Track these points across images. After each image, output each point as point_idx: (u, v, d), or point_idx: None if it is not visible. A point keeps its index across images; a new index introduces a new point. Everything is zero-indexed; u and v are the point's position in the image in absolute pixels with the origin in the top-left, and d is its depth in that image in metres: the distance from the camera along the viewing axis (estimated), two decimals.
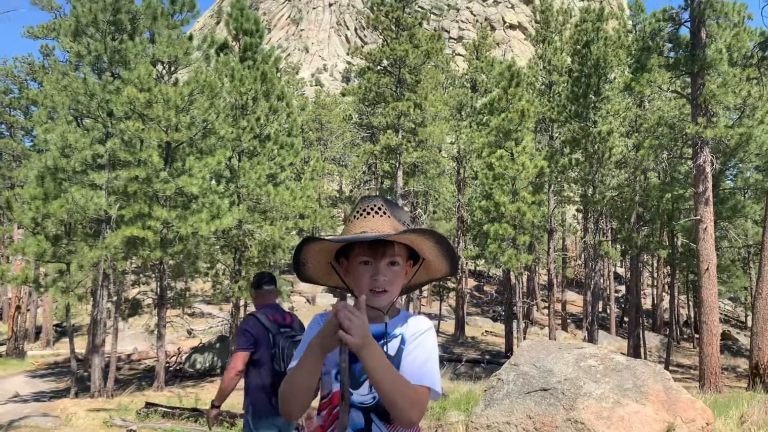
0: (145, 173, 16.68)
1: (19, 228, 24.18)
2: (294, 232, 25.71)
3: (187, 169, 17.46)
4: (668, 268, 35.16)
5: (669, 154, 22.77)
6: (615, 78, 26.88)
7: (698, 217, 18.70)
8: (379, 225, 1.71)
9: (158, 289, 19.04)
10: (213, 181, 18.91)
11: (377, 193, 37.09)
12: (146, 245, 16.49)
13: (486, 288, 49.94)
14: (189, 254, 18.70)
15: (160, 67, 19.41)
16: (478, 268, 50.90)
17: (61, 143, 16.55)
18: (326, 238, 1.74)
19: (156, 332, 18.72)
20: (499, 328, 36.67)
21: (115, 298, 18.29)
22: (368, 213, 1.73)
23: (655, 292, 41.35)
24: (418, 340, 1.75)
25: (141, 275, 23.73)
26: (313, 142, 47.88)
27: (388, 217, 1.73)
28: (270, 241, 21.03)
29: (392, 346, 1.75)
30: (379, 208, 1.74)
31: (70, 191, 15.95)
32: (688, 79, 20.50)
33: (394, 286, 1.74)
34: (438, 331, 34.16)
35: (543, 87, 32.33)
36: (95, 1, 17.85)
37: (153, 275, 20.10)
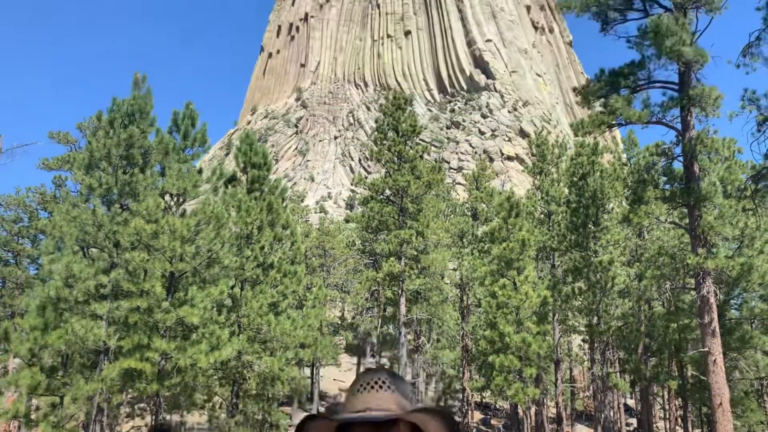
0: (147, 303, 16.64)
1: (15, 358, 23.76)
2: (294, 363, 25.19)
3: (189, 299, 17.42)
4: (680, 400, 34.00)
5: (672, 284, 22.76)
6: (613, 208, 27.45)
7: (706, 349, 18.35)
8: (383, 401, 1.69)
9: (152, 422, 18.37)
10: (214, 311, 18.81)
11: (380, 366, 36.65)
12: (143, 378, 16.12)
13: (493, 422, 48.04)
14: (186, 386, 18.23)
15: (168, 198, 19.93)
16: (484, 400, 49.26)
17: (65, 273, 16.66)
18: (329, 417, 1.70)
19: None
20: None
21: None
22: (372, 387, 1.71)
23: (668, 426, 39.66)
24: None
25: (136, 407, 22.99)
26: (316, 269, 48.08)
27: (393, 391, 1.71)
28: (269, 373, 20.57)
29: None
30: (384, 382, 1.73)
31: (70, 321, 15.84)
32: (685, 210, 20.92)
33: None
34: None
35: (542, 216, 32.94)
36: (110, 137, 18.67)
37: (148, 408, 19.47)
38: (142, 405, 22.82)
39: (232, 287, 20.83)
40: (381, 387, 1.72)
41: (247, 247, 21.55)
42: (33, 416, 17.10)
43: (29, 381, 15.45)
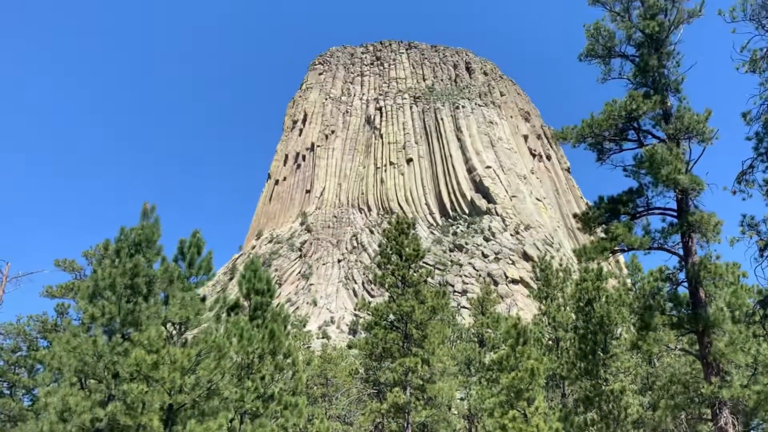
0: None
1: None
2: None
3: None
4: None
5: (687, 415, 21.91)
6: (621, 334, 27.02)
7: None
8: None
9: None
10: None
11: None
12: None
13: None
14: None
15: (170, 326, 19.73)
16: None
17: (61, 407, 16.17)
18: None
19: None
20: None
21: None
22: None
23: None
24: None
25: None
26: (317, 399, 46.60)
27: None
28: None
29: None
30: None
31: None
32: (695, 337, 20.56)
33: None
34: None
35: (550, 342, 32.37)
36: (115, 266, 18.79)
37: None
38: None
39: (231, 420, 20.10)
40: None
41: (247, 378, 21.04)
42: None
43: None
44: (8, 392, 33.17)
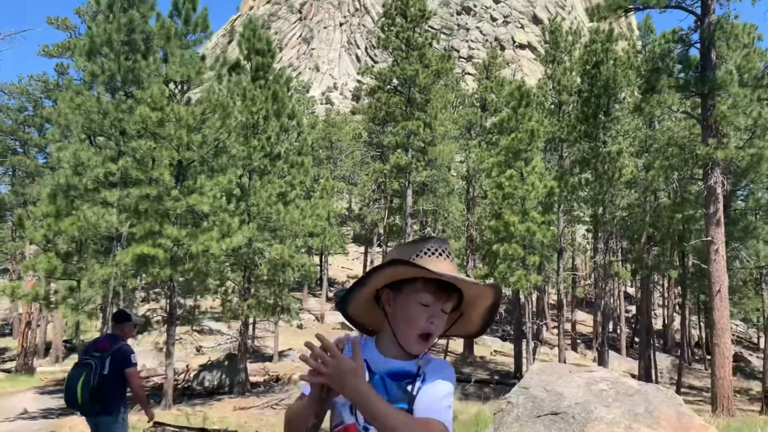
0: (156, 191, 16.79)
1: (31, 245, 24.34)
2: (303, 251, 25.75)
3: (198, 188, 17.56)
4: (679, 288, 34.88)
5: (679, 175, 22.71)
6: (625, 98, 26.90)
7: (709, 239, 18.60)
8: (452, 269, 1.71)
9: (167, 307, 19.08)
10: (224, 200, 19.00)
11: (388, 213, 37.12)
12: (156, 263, 16.54)
13: None
14: (199, 272, 18.74)
15: (172, 86, 19.61)
16: None
17: (73, 161, 16.71)
18: (424, 267, 1.66)
19: (165, 350, 18.74)
20: (509, 347, 36.41)
21: None
22: (440, 254, 1.72)
23: (666, 313, 41.01)
24: (440, 377, 1.76)
25: (151, 292, 23.78)
26: (323, 161, 48.11)
27: (454, 264, 1.74)
28: (279, 260, 21.07)
29: (416, 386, 1.74)
30: (449, 254, 1.74)
31: (81, 209, 16.07)
32: (698, 100, 20.51)
33: (438, 332, 1.74)
34: (446, 351, 33.97)
35: (553, 107, 32.39)
36: (110, 22, 18.11)
37: (163, 293, 20.14)
38: (157, 290, 23.58)
39: (240, 177, 20.93)
40: (448, 257, 1.73)
41: (253, 137, 21.44)
42: (52, 299, 17.75)
43: (46, 265, 15.90)
44: (21, 150, 34.15)
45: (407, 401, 1.71)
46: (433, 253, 1.71)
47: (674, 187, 24.38)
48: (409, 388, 1.72)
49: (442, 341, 36.62)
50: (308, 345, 1.61)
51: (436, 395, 1.71)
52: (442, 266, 1.69)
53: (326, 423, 1.85)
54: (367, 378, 1.69)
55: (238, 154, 19.70)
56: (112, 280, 16.49)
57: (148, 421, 6.02)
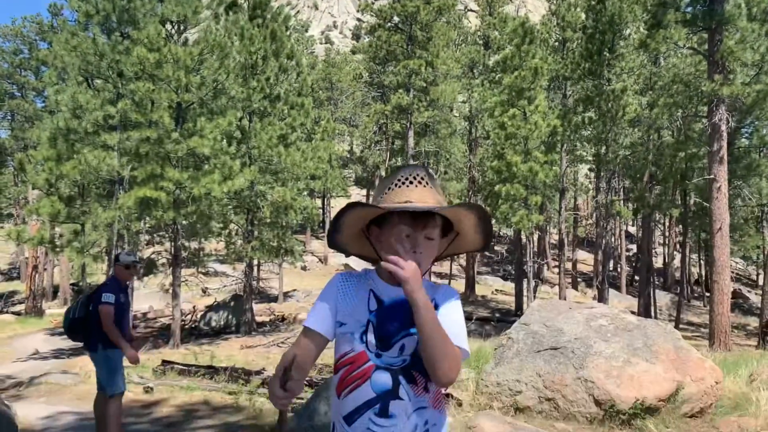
0: (156, 134, 16.70)
1: (33, 189, 24.39)
2: (305, 193, 25.78)
3: (198, 130, 17.45)
4: (680, 227, 35.03)
5: (684, 113, 22.45)
6: (630, 35, 26.33)
7: (712, 176, 18.53)
8: (423, 195, 1.67)
9: (172, 249, 19.26)
10: (224, 142, 18.91)
11: (389, 155, 36.96)
12: (159, 206, 16.61)
13: (496, 247, 50.08)
14: (202, 215, 18.84)
15: (169, 26, 19.24)
16: None
17: (72, 104, 16.57)
18: (375, 205, 1.69)
19: (171, 291, 19.01)
20: (509, 287, 36.88)
21: None
22: (411, 182, 1.69)
23: (666, 251, 41.34)
24: (453, 303, 1.78)
25: (155, 235, 23.96)
26: (323, 102, 47.56)
27: (431, 188, 1.70)
28: (282, 202, 21.12)
29: None
30: (422, 179, 1.70)
31: (82, 152, 16.03)
32: (705, 35, 20.07)
33: (427, 260, 1.71)
34: None
35: (556, 44, 31.78)
36: None
37: (167, 235, 20.29)
38: (161, 233, 23.76)
39: (241, 119, 20.75)
40: (420, 183, 1.69)
41: (252, 78, 21.16)
42: (57, 243, 17.91)
43: (49, 209, 15.98)
44: (19, 94, 33.79)
45: None
46: (403, 183, 1.69)
47: (678, 125, 24.14)
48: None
49: (444, 281, 37.04)
50: (393, 260, 1.61)
51: (458, 323, 1.74)
52: (413, 194, 1.66)
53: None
54: (375, 306, 1.72)
55: (238, 96, 19.49)
56: (115, 223, 16.59)
57: (132, 363, 5.98)
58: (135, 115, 16.81)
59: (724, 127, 18.71)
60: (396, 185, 1.70)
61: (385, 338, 1.69)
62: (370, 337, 1.69)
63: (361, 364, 1.69)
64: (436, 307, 1.74)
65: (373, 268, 1.84)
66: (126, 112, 16.92)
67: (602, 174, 28.30)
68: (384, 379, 1.67)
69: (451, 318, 1.73)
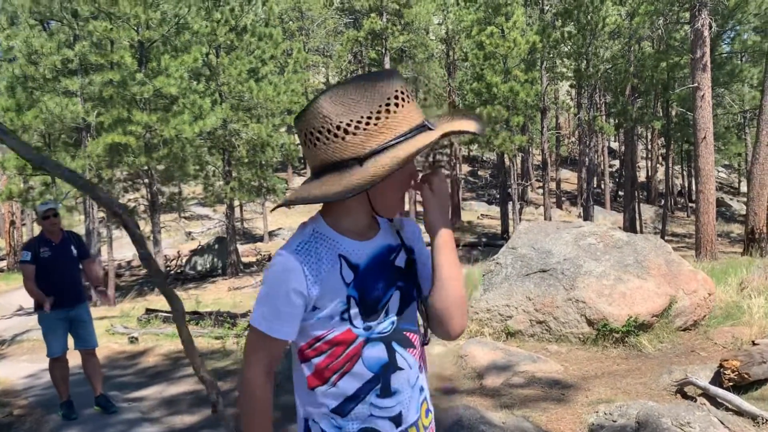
0: (119, 76, 15.93)
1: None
2: (283, 129, 25.12)
3: (163, 69, 16.69)
4: (662, 139, 34.87)
5: (665, 20, 21.79)
6: None
7: (695, 84, 18.14)
8: (415, 115, 1.28)
9: (149, 195, 18.78)
10: (192, 81, 18.16)
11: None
12: (130, 152, 16.04)
13: (480, 172, 49.88)
14: (176, 158, 18.27)
15: None
16: (471, 153, 50.58)
17: (26, 50, 15.70)
18: (379, 171, 1.21)
19: (152, 238, 18.65)
20: (495, 210, 36.87)
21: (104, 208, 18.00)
22: (404, 100, 1.26)
23: (649, 165, 41.30)
24: (420, 241, 1.52)
25: (131, 182, 23.40)
26: (294, 33, 45.98)
27: (411, 100, 1.28)
28: (258, 140, 20.55)
29: (401, 258, 1.45)
30: (403, 93, 1.26)
31: (42, 100, 15.28)
32: None
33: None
34: None
35: None
36: None
37: (142, 182, 19.76)
38: (138, 180, 23.20)
39: (207, 55, 19.90)
40: (404, 99, 1.26)
41: (215, 10, 20.17)
42: (28, 196, 17.35)
43: (15, 162, 15.34)
44: None
45: (403, 277, 1.43)
46: (396, 104, 1.24)
47: (660, 34, 23.47)
48: (399, 262, 1.43)
49: None
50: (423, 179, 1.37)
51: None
52: (416, 113, 1.27)
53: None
54: (351, 276, 1.35)
55: (202, 31, 18.59)
56: (86, 172, 16.02)
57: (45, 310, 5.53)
58: (95, 57, 15.99)
59: (707, 33, 18.19)
60: (391, 107, 1.24)
61: (370, 308, 1.37)
62: (354, 312, 1.35)
63: (349, 343, 1.35)
64: (411, 251, 1.46)
65: (318, 219, 1.41)
66: (85, 55, 16.09)
67: (583, 90, 27.78)
68: (378, 352, 1.37)
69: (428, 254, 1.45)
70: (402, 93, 1.26)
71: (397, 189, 1.34)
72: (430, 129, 1.27)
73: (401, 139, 1.23)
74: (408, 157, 1.20)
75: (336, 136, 1.24)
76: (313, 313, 1.34)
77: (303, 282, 1.31)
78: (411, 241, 1.48)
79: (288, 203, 1.33)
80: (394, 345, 1.39)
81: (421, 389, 1.46)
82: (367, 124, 1.23)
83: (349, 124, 1.23)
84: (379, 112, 1.23)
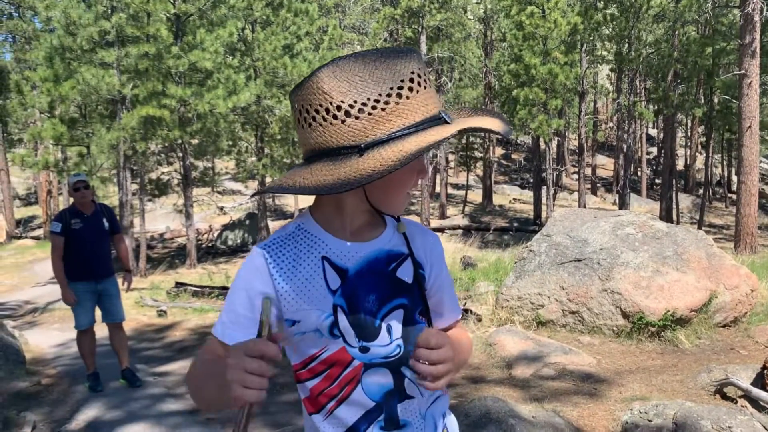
0: (155, 49, 15.94)
1: (41, 114, 23.86)
2: None
3: (198, 43, 16.66)
4: (703, 127, 33.89)
5: (713, 3, 21.00)
6: None
7: (743, 71, 17.48)
8: (434, 99, 1.07)
9: (182, 169, 18.89)
10: (227, 55, 18.11)
11: None
12: (164, 125, 16.09)
13: (514, 156, 49.24)
14: (210, 133, 18.32)
15: None
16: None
17: (65, 21, 15.78)
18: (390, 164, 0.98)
19: (184, 211, 18.79)
20: (527, 195, 36.38)
21: (138, 180, 18.18)
22: (420, 84, 1.04)
23: (688, 153, 40.25)
24: (440, 260, 1.30)
25: (165, 155, 23.59)
26: (330, 9, 45.67)
27: (429, 86, 1.07)
28: (291, 117, 20.47)
29: (407, 270, 1.22)
30: (420, 77, 1.05)
31: (80, 71, 15.37)
32: None
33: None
34: (466, 201, 34.04)
35: None
36: None
37: (176, 156, 19.87)
38: (171, 153, 23.37)
39: (243, 29, 19.82)
40: (421, 84, 1.05)
41: None
42: (64, 166, 17.57)
43: (52, 132, 15.52)
44: (17, 14, 32.66)
45: (407, 293, 1.21)
46: (410, 88, 1.03)
47: (707, 17, 22.64)
48: (402, 274, 1.21)
49: (461, 192, 36.64)
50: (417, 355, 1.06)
51: (448, 290, 1.34)
52: (433, 100, 1.06)
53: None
54: (338, 282, 1.15)
55: (238, 5, 18.49)
56: (120, 144, 16.14)
57: (67, 304, 5.53)
58: (131, 29, 16.01)
59: (757, 17, 17.46)
60: (404, 91, 1.03)
61: (365, 323, 1.16)
62: (344, 326, 1.15)
63: (345, 365, 1.16)
64: (421, 266, 1.24)
65: (306, 214, 1.23)
66: (122, 27, 16.11)
67: (624, 74, 27.06)
68: (380, 378, 1.18)
69: (444, 285, 1.32)
70: (419, 76, 1.05)
71: (400, 185, 1.14)
72: (447, 122, 1.05)
73: (411, 130, 1.02)
74: (417, 153, 0.98)
75: (335, 117, 1.02)
76: (293, 329, 1.16)
77: (269, 284, 1.13)
78: (425, 255, 1.27)
79: (267, 191, 1.12)
80: (404, 369, 1.19)
81: (438, 420, 1.27)
82: (374, 107, 1.01)
83: (351, 105, 1.01)
84: (389, 95, 1.01)
